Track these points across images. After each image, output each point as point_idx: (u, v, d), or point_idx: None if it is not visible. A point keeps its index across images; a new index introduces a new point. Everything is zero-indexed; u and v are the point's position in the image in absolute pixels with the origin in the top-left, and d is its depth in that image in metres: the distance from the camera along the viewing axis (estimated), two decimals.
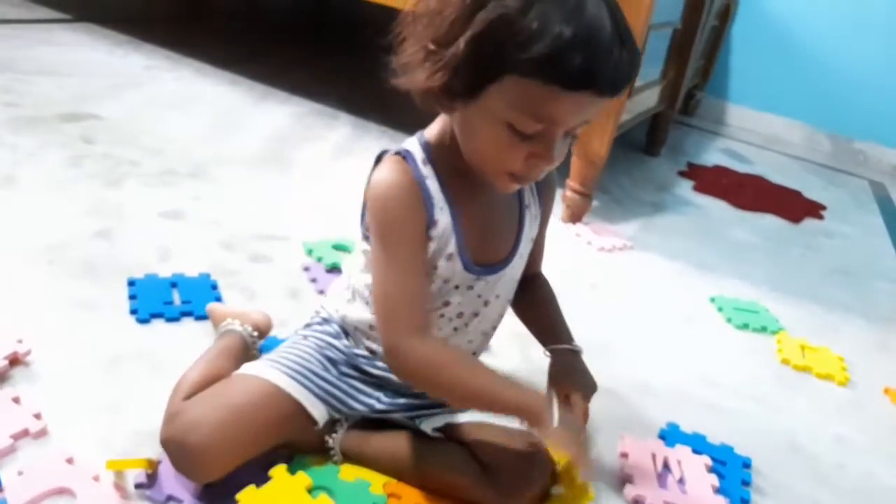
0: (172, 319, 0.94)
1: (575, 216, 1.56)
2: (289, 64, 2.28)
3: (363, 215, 0.72)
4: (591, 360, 0.86)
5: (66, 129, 1.46)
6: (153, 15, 2.57)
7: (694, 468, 0.85)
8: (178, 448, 0.66)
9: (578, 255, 1.43)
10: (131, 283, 0.99)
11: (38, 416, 0.73)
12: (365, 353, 0.76)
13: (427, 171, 0.67)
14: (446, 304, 0.71)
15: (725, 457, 0.89)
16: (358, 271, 0.75)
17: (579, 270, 1.35)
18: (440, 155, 0.68)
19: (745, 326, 1.26)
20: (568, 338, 0.81)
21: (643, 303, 1.28)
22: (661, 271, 1.44)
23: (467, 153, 0.65)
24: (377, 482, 0.73)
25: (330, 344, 0.77)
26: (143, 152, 1.43)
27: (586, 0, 0.54)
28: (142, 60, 2.02)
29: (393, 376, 0.73)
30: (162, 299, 0.96)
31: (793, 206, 2.06)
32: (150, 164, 1.39)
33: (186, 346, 0.87)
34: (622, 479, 0.82)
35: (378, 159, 0.70)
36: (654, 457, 0.85)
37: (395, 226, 0.65)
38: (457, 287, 0.70)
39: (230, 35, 2.57)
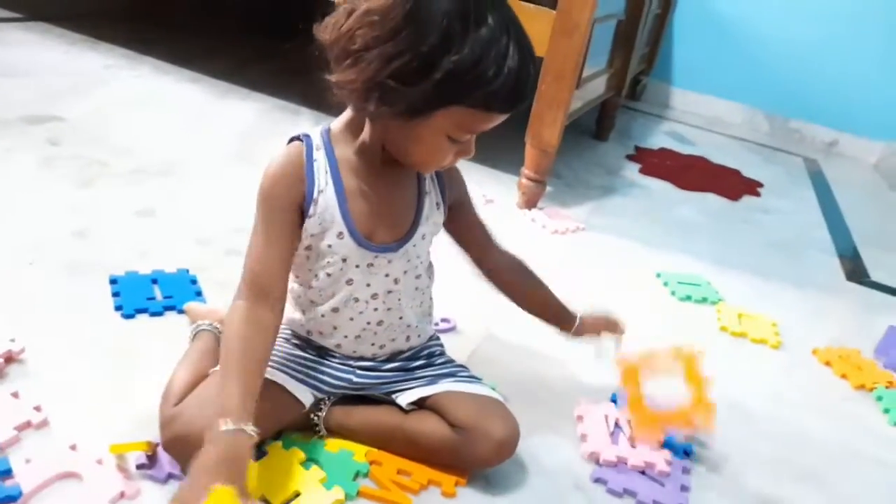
0: (156, 314, 0.99)
1: (530, 202, 1.65)
2: (247, 60, 2.30)
3: None
4: (547, 334, 0.95)
5: (31, 131, 1.48)
6: (107, 12, 2.55)
7: None
8: (181, 450, 0.71)
9: (534, 238, 1.52)
10: (113, 281, 1.03)
11: (38, 409, 0.78)
12: (317, 339, 0.84)
13: (318, 155, 0.75)
14: (349, 282, 0.78)
15: None
16: None
17: (535, 252, 1.43)
18: (339, 143, 0.76)
19: (687, 298, 1.37)
20: (569, 315, 0.96)
21: (595, 280, 1.38)
22: (611, 250, 1.54)
23: (403, 154, 0.74)
24: (360, 451, 0.81)
25: (293, 332, 0.85)
26: (111, 152, 1.46)
27: (509, 41, 0.65)
28: (99, 59, 2.02)
29: (349, 352, 0.83)
30: (144, 295, 1.01)
31: (732, 185, 2.19)
32: (119, 163, 1.42)
33: (171, 338, 0.94)
34: (579, 438, 0.92)
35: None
36: (606, 418, 0.95)
37: (268, 198, 0.74)
38: (357, 266, 0.77)
39: (187, 31, 2.57)
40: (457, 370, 0.87)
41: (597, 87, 1.97)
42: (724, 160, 2.43)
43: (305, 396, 0.81)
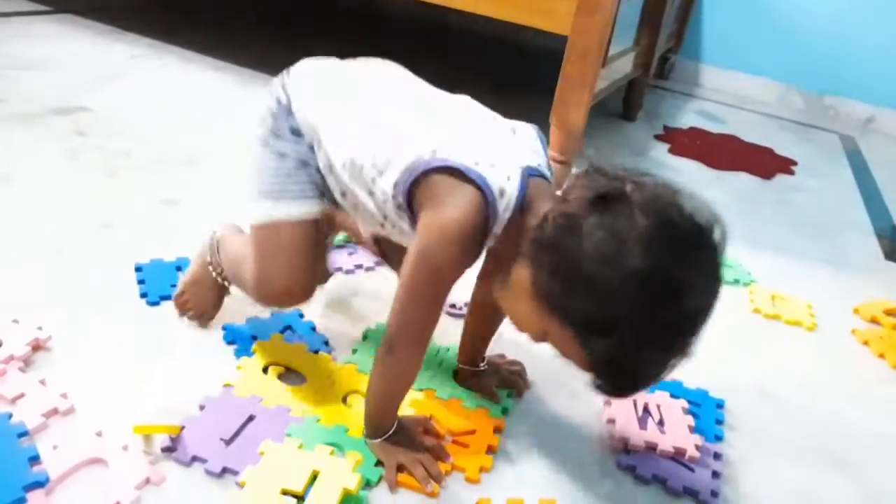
0: None
1: (556, 184, 1.62)
2: (270, 48, 2.30)
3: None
4: None
5: (57, 123, 1.50)
6: (134, 2, 2.57)
7: (672, 411, 0.93)
8: (276, 301, 0.85)
9: None
10: (138, 269, 1.04)
11: (64, 396, 0.79)
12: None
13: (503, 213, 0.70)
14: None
15: (700, 399, 0.97)
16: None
17: None
18: (532, 206, 0.71)
19: None
20: (478, 361, 0.93)
21: None
22: None
23: (505, 296, 0.72)
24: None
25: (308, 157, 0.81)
26: (135, 142, 1.47)
27: (672, 359, 0.66)
28: (126, 50, 2.04)
29: None
30: (169, 282, 1.02)
31: (765, 164, 2.13)
32: (144, 152, 1.43)
33: (189, 316, 0.95)
34: (606, 424, 0.90)
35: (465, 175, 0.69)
36: (634, 403, 0.93)
37: (447, 279, 0.71)
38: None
39: (210, 20, 2.57)
40: None
41: (623, 66, 1.93)
42: (757, 138, 2.36)
43: (315, 208, 0.81)
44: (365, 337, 0.99)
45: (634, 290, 0.59)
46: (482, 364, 0.93)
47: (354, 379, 0.90)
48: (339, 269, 1.14)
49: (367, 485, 0.75)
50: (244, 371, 0.88)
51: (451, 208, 0.67)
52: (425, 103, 0.79)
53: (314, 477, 0.73)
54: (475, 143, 0.72)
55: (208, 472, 0.73)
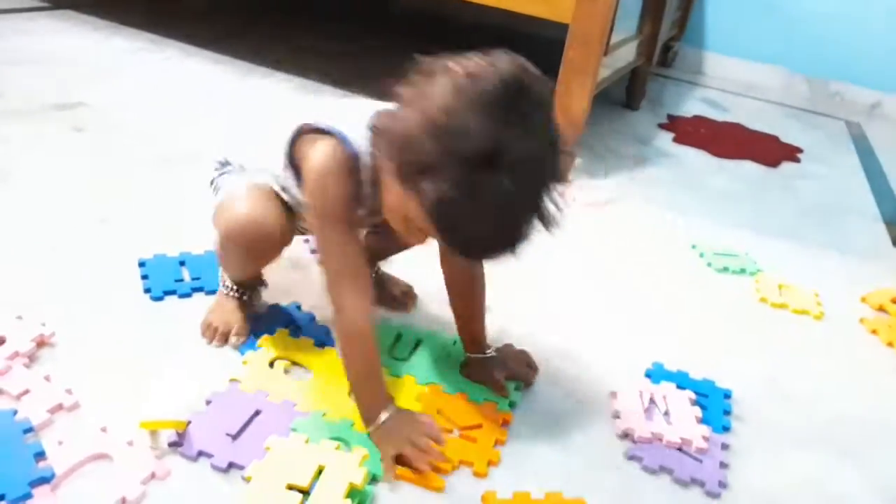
0: (185, 296, 0.99)
1: None
2: (269, 40, 2.29)
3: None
4: (580, 310, 0.92)
5: (56, 118, 1.49)
6: None
7: (678, 402, 0.92)
8: (243, 234, 0.84)
9: (563, 211, 1.48)
10: (142, 264, 1.04)
11: (69, 392, 0.79)
12: None
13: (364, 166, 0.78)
14: None
15: (707, 390, 0.96)
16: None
17: (565, 226, 1.41)
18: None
19: (724, 270, 1.33)
20: (484, 344, 0.93)
21: (627, 254, 1.35)
22: (644, 222, 1.50)
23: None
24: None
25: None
26: (135, 137, 1.46)
27: (509, 215, 0.69)
28: (124, 44, 2.03)
29: None
30: (173, 277, 1.01)
31: (770, 151, 2.11)
32: (143, 148, 1.42)
33: (199, 319, 0.94)
34: (613, 415, 0.90)
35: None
36: (640, 394, 0.93)
37: (332, 212, 0.77)
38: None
39: (208, 13, 2.56)
40: None
41: (626, 54, 1.91)
42: (762, 126, 2.34)
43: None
44: None
45: (440, 131, 0.65)
46: (489, 350, 0.92)
47: None
48: None
49: (374, 479, 0.75)
50: (250, 366, 0.88)
51: (314, 154, 0.77)
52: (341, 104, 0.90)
53: (320, 471, 0.72)
54: (340, 113, 0.81)
55: (214, 467, 0.73)
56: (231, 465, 0.74)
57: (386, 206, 0.75)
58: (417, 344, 0.96)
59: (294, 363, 0.90)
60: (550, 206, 0.70)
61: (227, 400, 0.82)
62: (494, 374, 0.90)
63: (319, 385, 0.86)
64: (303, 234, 0.93)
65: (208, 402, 0.81)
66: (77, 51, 1.91)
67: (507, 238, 0.69)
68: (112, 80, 1.76)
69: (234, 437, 0.77)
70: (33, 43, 1.91)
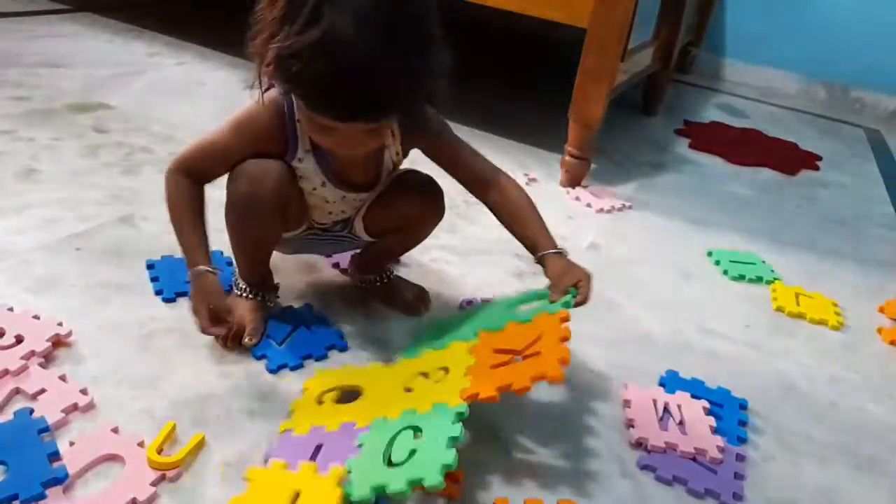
0: None
1: (573, 180, 1.61)
2: None
3: None
4: (594, 316, 0.91)
5: (78, 119, 1.51)
6: (151, 1, 2.58)
7: (693, 411, 0.91)
8: (242, 191, 0.89)
9: (578, 217, 1.48)
10: (150, 266, 1.04)
11: (84, 392, 0.79)
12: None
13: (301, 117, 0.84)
14: (330, 213, 0.95)
15: (722, 399, 0.95)
16: None
17: (579, 232, 1.40)
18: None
19: (741, 278, 1.31)
20: (549, 242, 0.89)
21: (642, 260, 1.34)
22: (660, 229, 1.49)
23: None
24: (453, 398, 0.73)
25: None
26: (154, 139, 1.48)
27: (342, 46, 0.70)
28: (144, 48, 2.05)
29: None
30: (183, 279, 1.01)
31: (788, 159, 2.09)
32: (162, 150, 1.43)
33: None
34: (626, 424, 0.89)
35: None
36: (654, 402, 0.92)
37: (245, 134, 0.88)
38: (335, 202, 0.93)
39: (224, 18, 2.58)
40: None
41: (643, 60, 1.90)
42: (780, 133, 2.32)
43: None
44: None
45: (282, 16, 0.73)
46: (552, 249, 0.88)
47: (409, 369, 0.85)
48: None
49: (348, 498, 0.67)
50: (298, 411, 0.82)
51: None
52: None
53: (296, 497, 0.67)
54: None
55: None
56: None
57: (304, 128, 0.82)
58: (440, 329, 0.96)
59: (342, 390, 0.85)
60: (433, 79, 0.73)
61: (285, 448, 0.75)
62: (564, 278, 0.86)
63: (372, 396, 0.82)
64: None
65: (266, 460, 0.75)
66: (98, 53, 1.94)
67: (351, 82, 0.69)
68: (133, 82, 1.78)
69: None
70: (56, 45, 1.94)
